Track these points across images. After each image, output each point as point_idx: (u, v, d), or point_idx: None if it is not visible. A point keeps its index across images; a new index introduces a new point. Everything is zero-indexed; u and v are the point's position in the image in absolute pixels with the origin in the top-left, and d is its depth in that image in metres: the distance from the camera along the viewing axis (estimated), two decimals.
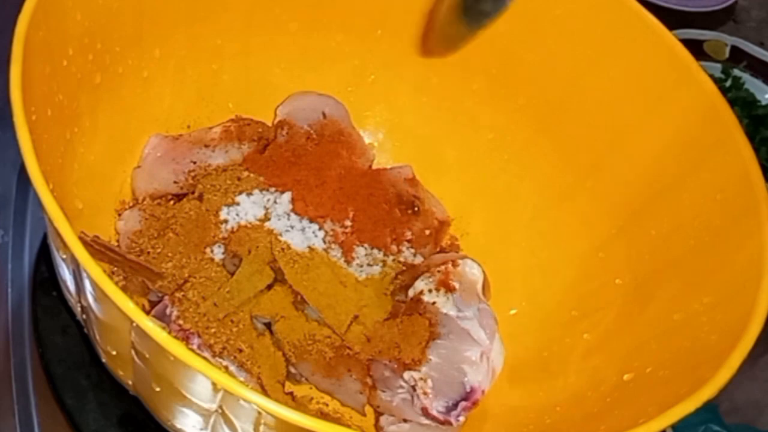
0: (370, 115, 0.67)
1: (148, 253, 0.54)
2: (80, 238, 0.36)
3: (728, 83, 0.88)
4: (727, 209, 0.49)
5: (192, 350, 0.35)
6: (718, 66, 0.92)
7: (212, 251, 0.55)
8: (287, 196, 0.57)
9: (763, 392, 0.68)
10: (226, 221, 0.56)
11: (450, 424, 0.52)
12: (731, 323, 0.43)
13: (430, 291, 0.57)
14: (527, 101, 0.61)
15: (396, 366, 0.53)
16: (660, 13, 0.54)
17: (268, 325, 0.54)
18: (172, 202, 0.57)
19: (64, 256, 0.42)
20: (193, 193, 0.58)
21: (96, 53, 0.51)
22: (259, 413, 0.35)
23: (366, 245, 0.58)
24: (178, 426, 0.45)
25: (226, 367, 0.50)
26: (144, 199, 0.58)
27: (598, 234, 0.58)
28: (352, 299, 0.55)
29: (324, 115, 0.62)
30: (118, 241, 0.56)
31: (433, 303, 0.56)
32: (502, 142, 0.63)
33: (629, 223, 0.56)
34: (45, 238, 0.59)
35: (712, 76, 0.52)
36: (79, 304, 0.46)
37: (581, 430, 0.49)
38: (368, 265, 0.58)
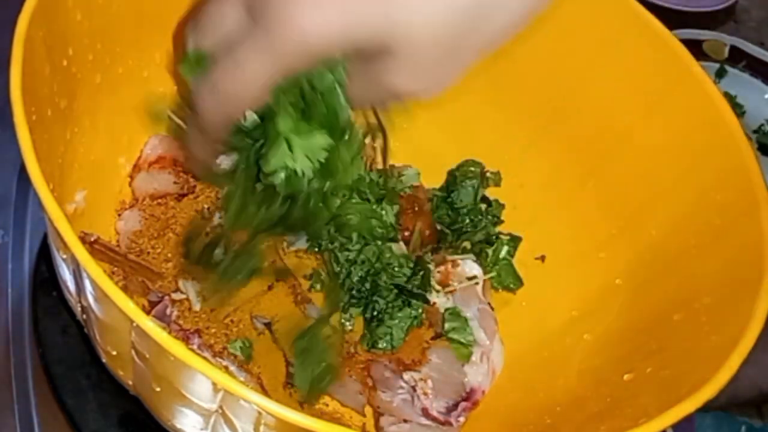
0: (369, 116, 0.67)
1: (148, 253, 0.54)
2: (80, 238, 0.36)
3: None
4: (727, 209, 0.49)
5: (192, 350, 0.35)
6: (715, 66, 0.93)
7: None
8: None
9: None
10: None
11: (450, 424, 0.52)
12: (731, 323, 0.43)
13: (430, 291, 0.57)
14: (527, 101, 0.61)
15: (396, 366, 0.53)
16: (660, 13, 0.54)
17: (268, 325, 0.54)
18: (172, 202, 0.57)
19: (64, 256, 0.42)
20: (192, 193, 0.58)
21: (96, 53, 0.51)
22: (259, 413, 0.35)
23: None
24: (178, 426, 0.45)
25: (226, 367, 0.50)
26: (144, 199, 0.58)
27: (598, 234, 0.58)
28: None
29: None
30: (118, 241, 0.56)
31: (433, 303, 0.56)
32: (503, 142, 0.63)
33: (630, 223, 0.56)
34: (45, 238, 0.59)
35: None
36: (79, 304, 0.46)
37: (581, 430, 0.49)
38: None
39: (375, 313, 0.53)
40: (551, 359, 0.57)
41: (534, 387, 0.56)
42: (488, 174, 0.63)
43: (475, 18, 0.37)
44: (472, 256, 0.60)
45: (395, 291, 0.53)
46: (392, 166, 0.65)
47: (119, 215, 0.57)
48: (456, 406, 0.52)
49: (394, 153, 0.67)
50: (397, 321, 0.53)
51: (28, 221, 0.65)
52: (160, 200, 0.58)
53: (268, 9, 0.37)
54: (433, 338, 0.55)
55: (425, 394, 0.52)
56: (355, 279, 0.53)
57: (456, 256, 0.60)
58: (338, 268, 0.53)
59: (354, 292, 0.53)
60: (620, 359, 0.51)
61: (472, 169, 0.63)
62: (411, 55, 0.37)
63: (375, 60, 0.38)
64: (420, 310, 0.53)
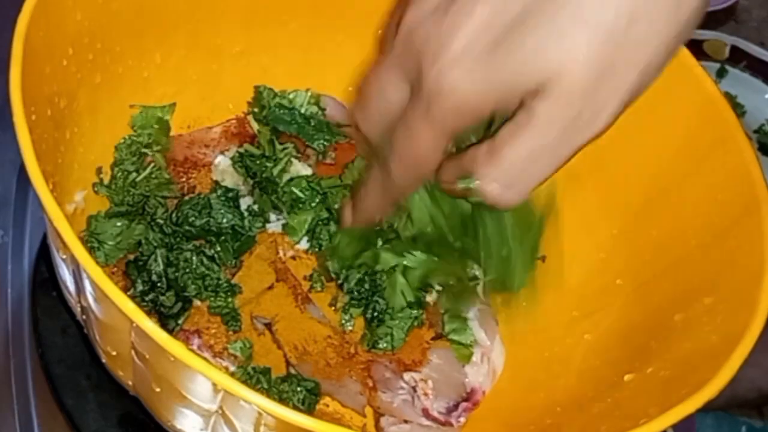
0: None
1: None
2: (80, 238, 0.36)
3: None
4: (727, 209, 0.49)
5: (192, 350, 0.35)
6: (715, 66, 0.93)
7: None
8: None
9: None
10: None
11: (451, 425, 0.52)
12: (732, 323, 0.43)
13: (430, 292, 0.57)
14: None
15: (396, 367, 0.53)
16: None
17: (268, 325, 0.54)
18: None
19: (64, 256, 0.42)
20: (192, 193, 0.57)
21: (96, 53, 0.51)
22: (260, 413, 0.35)
23: None
24: (179, 426, 0.45)
25: (226, 367, 0.50)
26: None
27: (598, 234, 0.58)
28: None
29: (324, 115, 0.62)
30: None
31: (434, 304, 0.56)
32: None
33: (630, 223, 0.56)
34: (45, 238, 0.59)
35: None
36: (79, 305, 0.46)
37: (582, 431, 0.49)
38: None
39: (375, 313, 0.53)
40: (551, 359, 0.57)
41: (534, 387, 0.56)
42: None
43: (623, 42, 0.36)
44: None
45: None
46: None
47: None
48: (456, 406, 0.52)
49: None
50: (397, 321, 0.53)
51: (28, 221, 0.65)
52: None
53: (426, 79, 0.38)
54: (433, 338, 0.55)
55: (426, 394, 0.52)
56: (353, 283, 0.53)
57: None
58: (335, 272, 0.53)
59: (354, 293, 0.53)
60: (620, 359, 0.51)
61: None
62: (565, 92, 0.36)
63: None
64: (420, 311, 0.53)
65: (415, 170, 0.43)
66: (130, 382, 0.47)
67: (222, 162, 0.58)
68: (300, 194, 0.55)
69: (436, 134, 0.40)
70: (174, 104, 0.58)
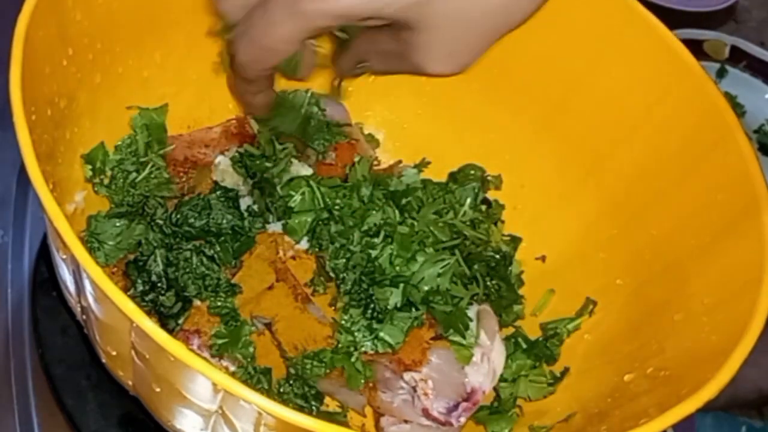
0: (370, 115, 0.67)
1: None
2: (80, 238, 0.36)
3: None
4: (727, 209, 0.49)
5: (192, 350, 0.35)
6: (715, 66, 0.93)
7: None
8: None
9: None
10: None
11: (451, 424, 0.52)
12: (732, 323, 0.43)
13: None
14: (528, 101, 0.61)
15: (396, 367, 0.53)
16: (660, 13, 0.54)
17: (269, 326, 0.54)
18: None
19: (64, 257, 0.42)
20: (192, 193, 0.57)
21: (96, 53, 0.51)
22: (259, 413, 0.35)
23: None
24: (178, 426, 0.45)
25: (226, 367, 0.50)
26: None
27: (599, 234, 0.58)
28: None
29: (324, 115, 0.62)
30: None
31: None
32: (503, 142, 0.63)
33: (630, 223, 0.56)
34: (45, 238, 0.59)
35: None
36: (79, 305, 0.46)
37: (582, 430, 0.49)
38: None
39: (375, 313, 0.53)
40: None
41: None
42: (489, 178, 0.63)
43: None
44: None
45: None
46: (392, 167, 0.65)
47: None
48: (456, 406, 0.52)
49: (393, 153, 0.67)
50: (397, 321, 0.53)
51: (28, 221, 0.65)
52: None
53: None
54: (433, 338, 0.55)
55: (426, 394, 0.52)
56: (350, 284, 0.53)
57: None
58: (332, 274, 0.53)
59: (352, 293, 0.53)
60: (620, 359, 0.51)
61: (473, 172, 0.63)
62: (435, 36, 0.39)
63: (399, 32, 0.40)
64: (420, 311, 0.53)
65: (263, 59, 0.44)
66: (130, 382, 0.47)
67: (222, 162, 0.58)
68: (293, 204, 0.55)
69: (297, 28, 0.41)
70: (166, 105, 0.58)
